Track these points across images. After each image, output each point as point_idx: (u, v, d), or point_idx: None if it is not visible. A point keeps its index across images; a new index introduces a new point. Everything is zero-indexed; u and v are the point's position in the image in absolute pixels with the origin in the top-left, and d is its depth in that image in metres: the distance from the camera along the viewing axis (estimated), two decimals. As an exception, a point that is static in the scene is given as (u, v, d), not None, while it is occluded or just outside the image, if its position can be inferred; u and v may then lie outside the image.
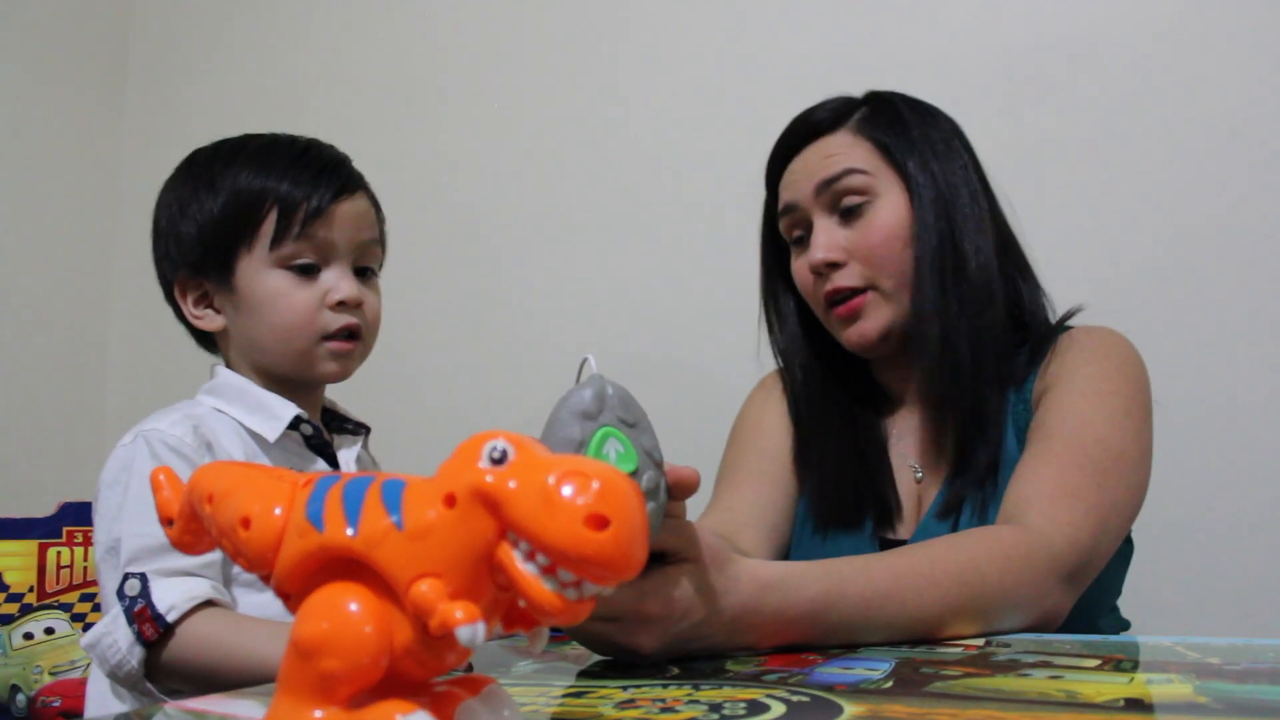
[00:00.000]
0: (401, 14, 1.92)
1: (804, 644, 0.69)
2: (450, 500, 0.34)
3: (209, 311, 0.98)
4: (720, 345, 1.56)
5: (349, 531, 0.35)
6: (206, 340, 1.03)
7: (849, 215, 0.99)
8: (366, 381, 1.81)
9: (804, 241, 1.02)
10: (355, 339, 0.98)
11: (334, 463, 1.00)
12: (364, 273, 1.00)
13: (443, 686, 0.37)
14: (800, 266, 1.02)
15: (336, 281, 0.96)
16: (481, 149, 1.82)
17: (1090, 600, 0.86)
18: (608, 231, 1.71)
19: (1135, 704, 0.50)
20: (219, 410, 0.96)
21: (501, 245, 1.78)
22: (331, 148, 1.01)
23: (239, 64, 2.04)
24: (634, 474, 0.55)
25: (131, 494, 0.88)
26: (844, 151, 1.00)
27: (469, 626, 0.33)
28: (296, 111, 1.93)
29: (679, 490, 0.59)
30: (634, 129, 1.71)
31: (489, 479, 0.33)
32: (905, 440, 1.04)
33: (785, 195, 1.04)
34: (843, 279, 0.98)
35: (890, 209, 0.98)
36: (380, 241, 1.03)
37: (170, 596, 0.83)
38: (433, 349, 1.79)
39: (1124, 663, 0.62)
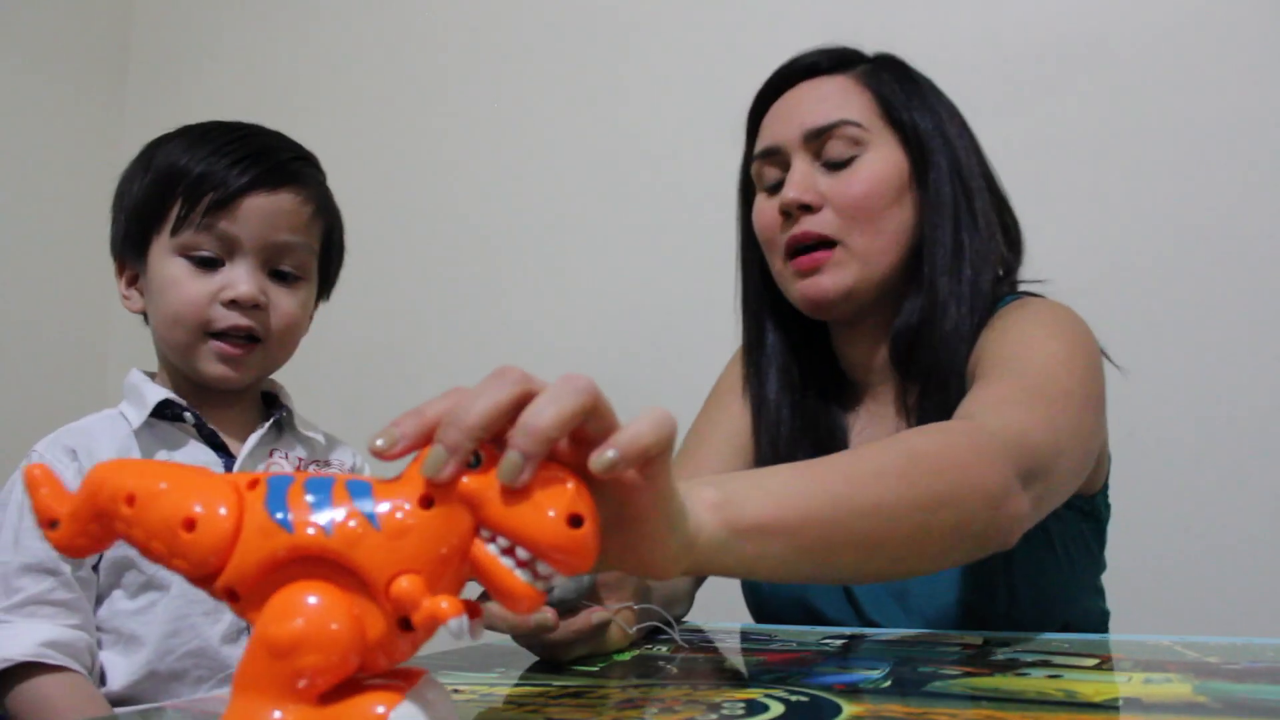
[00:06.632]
0: (402, 12, 1.94)
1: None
2: (425, 501, 0.37)
3: (134, 293, 0.96)
4: (718, 343, 1.56)
5: (323, 532, 0.36)
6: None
7: (833, 167, 0.89)
8: (362, 382, 1.82)
9: (777, 189, 0.91)
10: (251, 342, 0.92)
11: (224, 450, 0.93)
12: (284, 276, 0.93)
13: (378, 681, 0.38)
14: (767, 209, 0.92)
15: (235, 279, 0.90)
16: (481, 147, 1.83)
17: (1066, 573, 0.84)
18: (606, 232, 1.72)
19: (1134, 703, 0.50)
20: (122, 414, 0.93)
21: (499, 245, 1.79)
22: (274, 136, 0.96)
23: (241, 62, 2.06)
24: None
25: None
26: (840, 98, 0.91)
27: (458, 618, 0.35)
28: (297, 108, 1.93)
29: None
30: (632, 128, 1.71)
31: (466, 480, 0.37)
32: (867, 435, 0.95)
33: (767, 137, 0.93)
34: (813, 224, 0.88)
35: (881, 162, 0.89)
36: (312, 246, 0.95)
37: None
38: (433, 349, 1.81)
39: (1123, 662, 0.62)
